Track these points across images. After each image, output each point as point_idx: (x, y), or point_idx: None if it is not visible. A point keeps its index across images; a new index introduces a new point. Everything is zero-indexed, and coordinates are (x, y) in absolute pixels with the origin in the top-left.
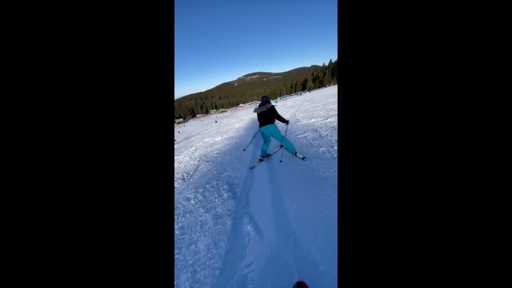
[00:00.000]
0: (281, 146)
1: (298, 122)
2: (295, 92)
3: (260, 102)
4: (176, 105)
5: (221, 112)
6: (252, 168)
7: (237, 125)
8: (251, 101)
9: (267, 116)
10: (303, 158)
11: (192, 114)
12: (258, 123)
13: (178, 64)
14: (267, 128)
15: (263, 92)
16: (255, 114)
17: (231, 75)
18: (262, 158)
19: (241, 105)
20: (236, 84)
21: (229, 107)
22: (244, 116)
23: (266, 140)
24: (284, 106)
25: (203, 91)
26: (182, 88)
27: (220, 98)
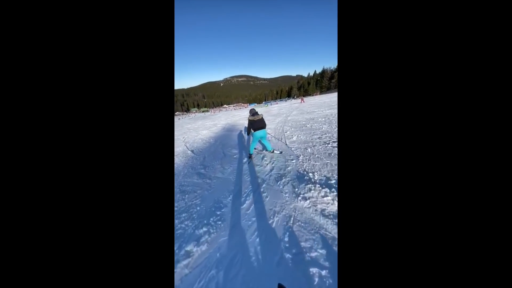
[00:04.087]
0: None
1: (304, 174)
2: (279, 98)
3: (251, 111)
4: None
5: (202, 111)
6: (249, 163)
7: (203, 133)
8: (236, 103)
9: (262, 122)
10: (280, 153)
11: None
12: (252, 127)
13: None
14: (262, 131)
15: (248, 95)
16: (233, 119)
17: (217, 75)
18: (251, 156)
19: (225, 106)
20: (222, 84)
21: (212, 107)
22: (222, 119)
23: (255, 140)
24: (267, 113)
25: (185, 87)
26: None
27: (203, 97)
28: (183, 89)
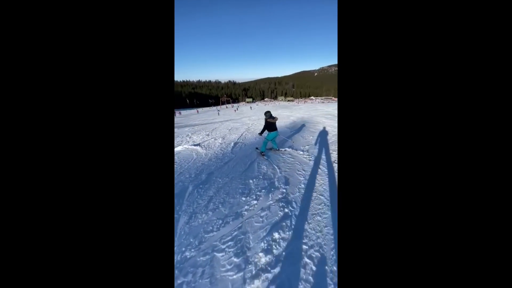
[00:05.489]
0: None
1: None
2: None
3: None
4: (251, 85)
5: (287, 101)
6: (264, 156)
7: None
8: (326, 95)
9: (275, 125)
10: (285, 150)
11: (262, 96)
12: (268, 129)
13: (262, 48)
14: (276, 132)
15: None
16: (310, 114)
17: (312, 64)
18: (263, 154)
19: (311, 97)
20: (316, 74)
21: (298, 98)
22: (301, 112)
23: (268, 140)
24: None
25: (279, 76)
26: (261, 70)
27: (292, 87)
28: (277, 77)
